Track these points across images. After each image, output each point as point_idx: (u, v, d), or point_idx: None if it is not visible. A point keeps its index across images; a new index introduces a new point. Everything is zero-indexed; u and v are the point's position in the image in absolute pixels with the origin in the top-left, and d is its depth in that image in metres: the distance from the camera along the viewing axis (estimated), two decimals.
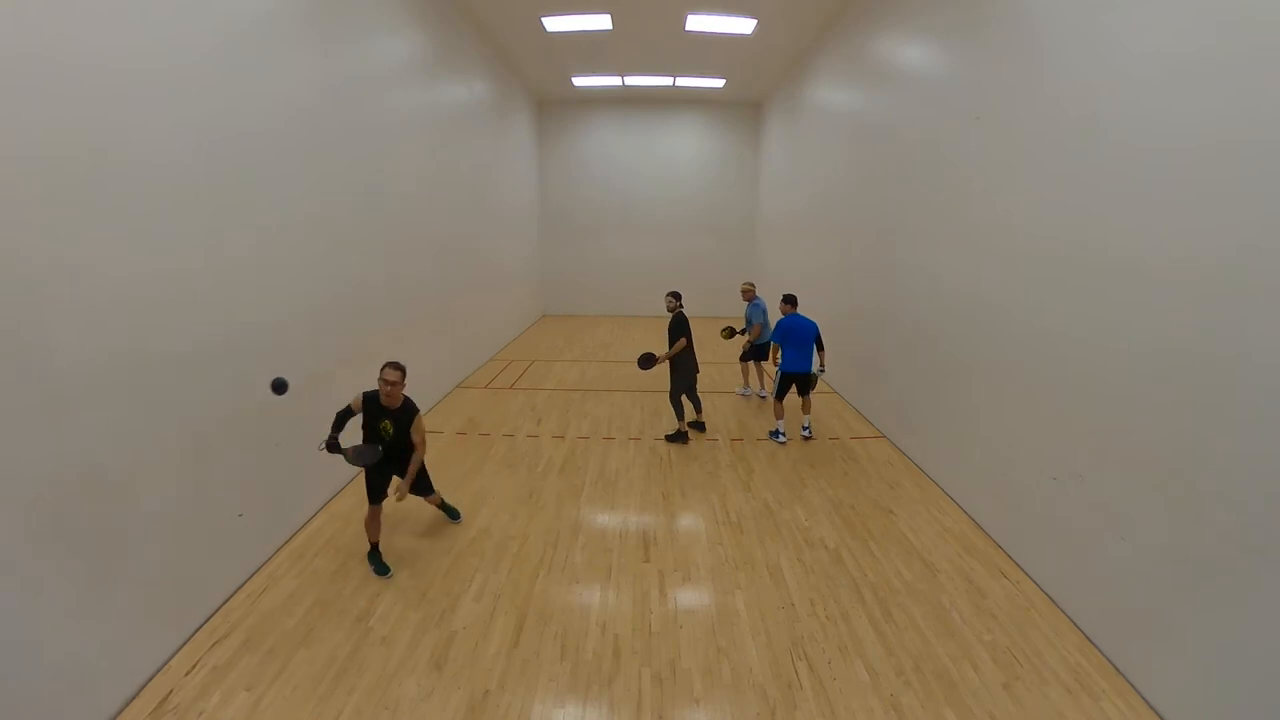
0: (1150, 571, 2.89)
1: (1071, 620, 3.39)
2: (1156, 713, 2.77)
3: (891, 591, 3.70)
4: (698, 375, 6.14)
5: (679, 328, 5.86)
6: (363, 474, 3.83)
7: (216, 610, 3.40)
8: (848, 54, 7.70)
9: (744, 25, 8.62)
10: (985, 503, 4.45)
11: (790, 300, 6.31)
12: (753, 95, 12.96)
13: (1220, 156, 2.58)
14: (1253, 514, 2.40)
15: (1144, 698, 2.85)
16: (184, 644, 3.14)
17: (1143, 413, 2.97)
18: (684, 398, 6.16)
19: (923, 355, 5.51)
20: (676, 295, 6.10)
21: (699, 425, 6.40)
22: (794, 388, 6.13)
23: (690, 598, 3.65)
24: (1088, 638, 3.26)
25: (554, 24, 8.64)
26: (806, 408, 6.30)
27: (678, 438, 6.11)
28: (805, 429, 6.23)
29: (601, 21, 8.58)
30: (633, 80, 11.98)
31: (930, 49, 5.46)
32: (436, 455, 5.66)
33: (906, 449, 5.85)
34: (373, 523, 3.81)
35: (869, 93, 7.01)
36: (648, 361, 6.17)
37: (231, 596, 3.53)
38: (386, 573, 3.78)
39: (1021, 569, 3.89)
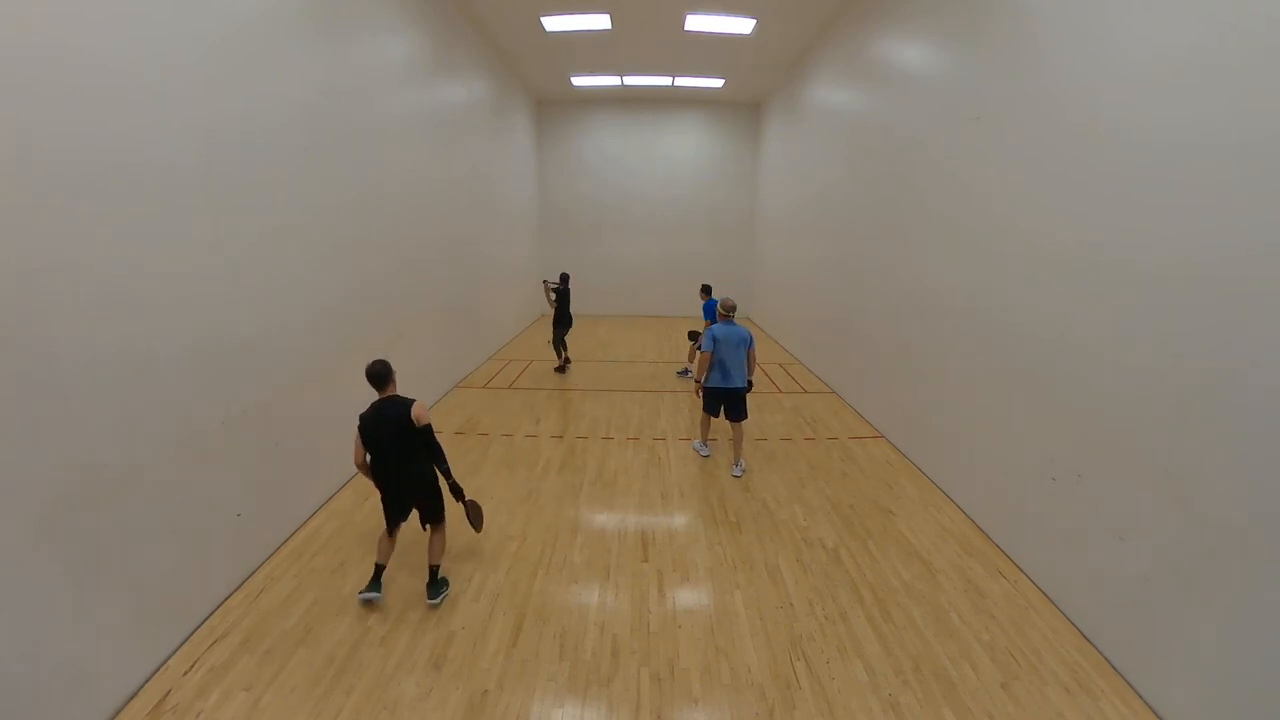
0: (1149, 571, 2.89)
1: (1070, 620, 3.40)
2: (1155, 712, 2.78)
3: (890, 591, 3.70)
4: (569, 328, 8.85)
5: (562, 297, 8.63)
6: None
7: (215, 610, 3.40)
8: (847, 54, 7.70)
9: (743, 25, 8.63)
10: (984, 502, 4.45)
11: (706, 289, 8.52)
12: (752, 95, 12.96)
13: (1222, 157, 2.58)
14: (1252, 514, 2.40)
15: (1142, 697, 2.85)
16: (182, 644, 3.14)
17: (1142, 412, 2.97)
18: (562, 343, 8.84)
19: (922, 355, 5.51)
20: (564, 277, 8.94)
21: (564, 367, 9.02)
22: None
23: (689, 597, 3.65)
24: (1086, 637, 3.26)
25: (553, 24, 8.65)
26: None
27: (561, 368, 8.98)
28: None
29: (601, 21, 8.58)
30: (632, 80, 11.99)
31: (930, 49, 5.47)
32: None
33: (905, 449, 5.85)
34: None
35: (868, 93, 7.02)
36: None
37: (230, 596, 3.53)
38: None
39: (1020, 569, 3.89)
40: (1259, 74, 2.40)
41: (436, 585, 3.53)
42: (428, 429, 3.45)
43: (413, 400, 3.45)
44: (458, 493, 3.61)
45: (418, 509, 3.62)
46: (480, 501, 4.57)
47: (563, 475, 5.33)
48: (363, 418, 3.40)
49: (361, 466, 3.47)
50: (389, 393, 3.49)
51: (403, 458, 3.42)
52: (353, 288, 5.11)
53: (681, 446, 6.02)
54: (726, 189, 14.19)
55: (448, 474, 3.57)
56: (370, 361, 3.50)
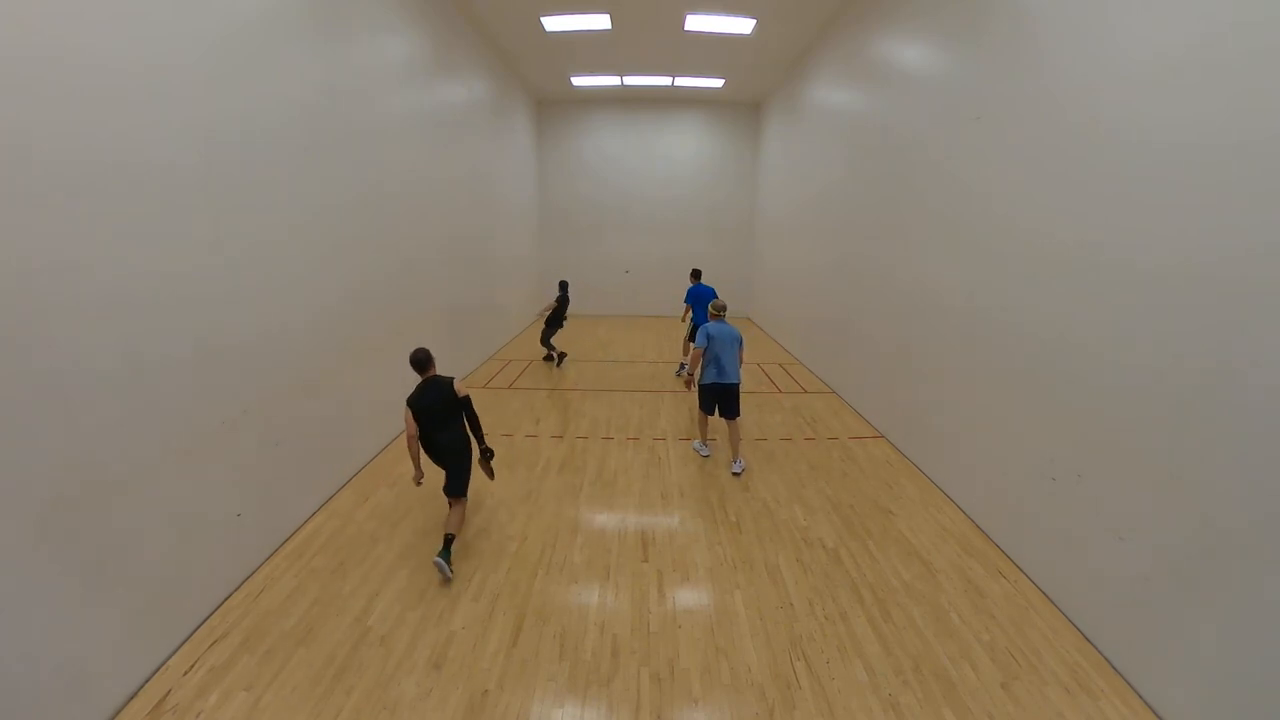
0: (1149, 571, 2.89)
1: (1070, 620, 3.40)
2: (1155, 712, 2.78)
3: (890, 591, 3.70)
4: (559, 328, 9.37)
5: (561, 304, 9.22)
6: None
7: (215, 610, 3.40)
8: (847, 54, 7.70)
9: (743, 25, 8.62)
10: (984, 503, 4.45)
11: (695, 274, 8.48)
12: (752, 95, 12.95)
13: (1222, 157, 2.58)
14: (1252, 514, 2.40)
15: (1142, 697, 2.85)
16: (182, 644, 3.14)
17: (1142, 412, 2.97)
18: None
19: (922, 355, 5.51)
20: (564, 284, 9.45)
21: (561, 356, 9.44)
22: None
23: (689, 597, 3.65)
24: (1086, 637, 3.26)
25: (553, 24, 8.64)
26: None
27: (559, 360, 9.34)
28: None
29: (601, 21, 8.58)
30: (632, 80, 11.98)
31: (930, 49, 5.47)
32: None
33: (905, 449, 5.85)
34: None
35: (868, 93, 7.02)
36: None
37: (230, 596, 3.53)
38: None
39: (1020, 569, 3.89)
40: (1259, 74, 2.41)
41: (448, 551, 3.76)
42: (468, 399, 4.00)
43: (452, 378, 3.98)
44: (488, 454, 4.21)
45: (447, 476, 3.98)
46: (480, 501, 4.75)
47: (563, 475, 5.33)
48: (411, 399, 3.82)
49: (413, 439, 3.81)
50: (430, 374, 3.96)
51: (444, 428, 3.89)
52: (353, 288, 5.11)
53: (681, 446, 6.02)
54: (726, 189, 14.18)
55: (481, 439, 4.13)
56: (412, 349, 4.00)
